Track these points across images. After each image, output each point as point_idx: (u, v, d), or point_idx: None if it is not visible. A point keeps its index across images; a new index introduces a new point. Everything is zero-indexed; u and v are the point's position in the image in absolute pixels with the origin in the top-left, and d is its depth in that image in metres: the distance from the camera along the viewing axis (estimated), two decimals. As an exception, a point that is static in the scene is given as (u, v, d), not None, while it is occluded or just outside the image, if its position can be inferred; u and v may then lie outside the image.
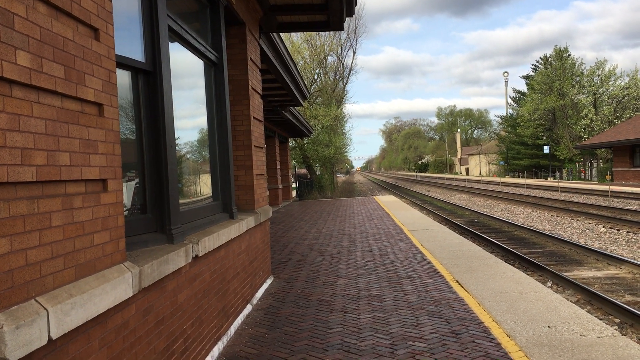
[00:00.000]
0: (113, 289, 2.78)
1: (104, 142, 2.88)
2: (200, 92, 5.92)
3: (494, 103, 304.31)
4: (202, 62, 5.81)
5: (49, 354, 2.28)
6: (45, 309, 2.21)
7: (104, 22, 2.95)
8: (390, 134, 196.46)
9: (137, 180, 3.98)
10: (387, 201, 25.11)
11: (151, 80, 4.04)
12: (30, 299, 2.21)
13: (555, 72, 59.90)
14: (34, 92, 2.30)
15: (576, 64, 61.03)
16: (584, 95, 58.45)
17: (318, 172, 43.55)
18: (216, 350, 4.83)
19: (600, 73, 57.98)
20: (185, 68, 5.40)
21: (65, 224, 2.48)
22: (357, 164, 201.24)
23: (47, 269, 2.33)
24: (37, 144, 2.29)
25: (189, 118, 5.63)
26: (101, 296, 2.65)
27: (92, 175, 2.73)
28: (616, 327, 7.33)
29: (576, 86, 58.84)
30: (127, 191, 3.84)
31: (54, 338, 2.25)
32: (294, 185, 33.93)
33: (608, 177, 37.10)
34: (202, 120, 5.94)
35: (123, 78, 3.76)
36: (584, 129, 55.92)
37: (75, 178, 2.57)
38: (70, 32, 2.59)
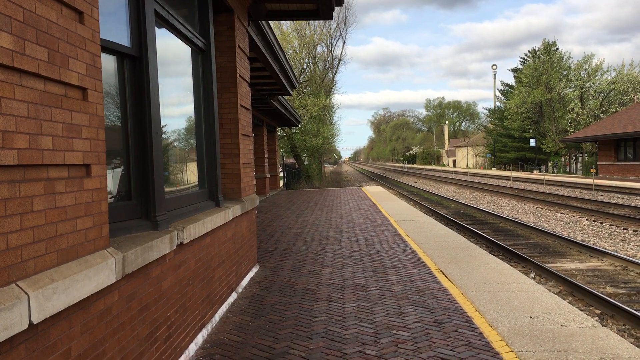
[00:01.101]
0: (96, 274, 2.77)
1: (87, 127, 2.85)
2: (188, 80, 5.87)
3: (482, 95, 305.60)
4: (190, 48, 5.76)
5: (29, 338, 2.27)
6: (26, 293, 2.19)
7: (89, 5, 2.91)
8: (378, 124, 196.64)
9: (122, 166, 3.95)
10: (375, 192, 25.18)
11: (137, 65, 4.00)
12: (11, 283, 2.19)
13: (543, 66, 60.18)
14: (16, 74, 2.27)
15: (564, 58, 61.36)
16: (571, 89, 58.82)
17: (306, 162, 43.50)
18: (200, 337, 4.83)
19: (587, 67, 58.32)
20: (172, 54, 5.35)
21: (47, 209, 2.46)
22: (345, 155, 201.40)
23: (28, 254, 2.31)
24: (19, 127, 2.26)
25: (176, 106, 5.59)
26: (84, 281, 2.63)
27: (75, 160, 2.70)
28: (597, 318, 7.44)
29: (563, 80, 59.19)
30: (112, 177, 3.81)
31: (35, 323, 2.24)
32: (281, 174, 33.91)
33: (593, 170, 37.48)
34: (189, 108, 5.90)
35: (108, 63, 3.72)
36: (570, 122, 56.32)
37: (58, 162, 2.55)
38: (54, 14, 2.56)
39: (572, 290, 8.67)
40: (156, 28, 4.29)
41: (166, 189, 4.55)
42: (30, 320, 2.20)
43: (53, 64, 2.53)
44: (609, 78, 56.08)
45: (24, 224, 2.28)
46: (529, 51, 66.84)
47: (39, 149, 2.40)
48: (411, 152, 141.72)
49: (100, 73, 3.03)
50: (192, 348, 4.57)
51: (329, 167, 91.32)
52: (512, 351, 4.35)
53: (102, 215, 3.01)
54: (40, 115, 2.42)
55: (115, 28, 3.84)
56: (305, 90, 42.92)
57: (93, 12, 2.97)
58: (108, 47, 3.58)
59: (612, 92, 54.85)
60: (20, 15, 2.29)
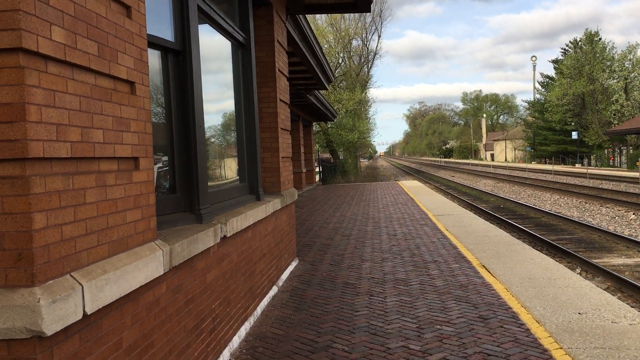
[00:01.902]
0: (145, 266, 2.80)
1: (135, 120, 2.88)
2: (228, 75, 5.90)
3: (519, 88, 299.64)
4: (230, 43, 5.78)
5: (83, 328, 2.31)
6: (80, 284, 2.23)
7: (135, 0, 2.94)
8: (414, 118, 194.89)
9: (164, 160, 3.99)
10: (411, 186, 24.97)
11: (181, 59, 4.03)
12: (66, 274, 2.23)
13: (586, 57, 58.64)
14: (68, 68, 2.30)
15: (607, 48, 59.62)
16: (615, 80, 57.13)
17: (341, 157, 43.44)
18: (243, 330, 4.86)
19: (631, 57, 56.53)
20: (213, 49, 5.38)
21: (98, 201, 2.49)
22: (380, 149, 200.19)
23: (81, 245, 2.34)
24: (71, 120, 2.29)
25: (217, 101, 5.63)
26: (134, 273, 2.66)
27: (124, 153, 2.73)
28: (647, 315, 7.19)
29: (607, 71, 57.54)
30: (157, 171, 3.85)
31: (88, 313, 2.27)
32: (317, 169, 33.93)
33: (639, 163, 36.31)
34: (229, 103, 5.94)
35: (153, 57, 3.75)
36: (614, 114, 54.71)
37: (109, 155, 2.58)
38: (103, 9, 2.59)
39: (621, 286, 8.41)
40: (198, 23, 4.31)
41: (209, 183, 4.58)
42: (84, 310, 2.24)
43: (103, 58, 2.55)
44: (655, 68, 54.21)
45: (77, 216, 2.32)
46: (570, 42, 65.22)
47: (91, 141, 2.43)
48: (447, 146, 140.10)
49: (147, 67, 3.05)
50: (236, 340, 4.60)
51: (364, 162, 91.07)
52: (561, 348, 4.24)
53: (150, 208, 3.04)
54: (91, 109, 2.45)
55: (160, 23, 3.88)
56: (341, 84, 42.85)
57: (140, 6, 2.99)
58: (153, 42, 3.61)
59: (659, 83, 53.01)
60: (72, 9, 2.32)
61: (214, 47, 5.40)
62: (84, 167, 2.39)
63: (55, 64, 2.21)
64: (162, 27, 3.92)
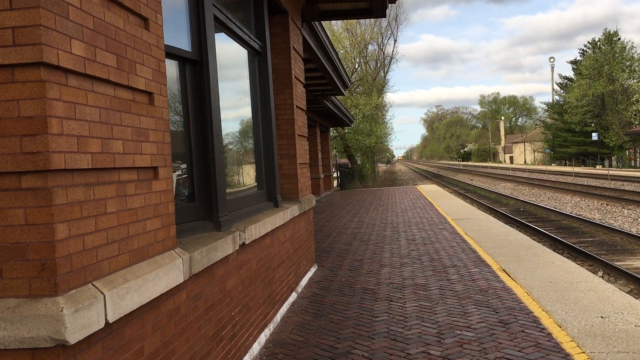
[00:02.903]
0: (165, 274, 2.83)
1: (154, 131, 2.92)
2: (244, 82, 5.95)
3: (537, 90, 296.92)
4: (246, 51, 5.83)
5: (106, 337, 2.34)
6: (102, 293, 2.26)
7: (153, 11, 2.98)
8: (431, 122, 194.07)
9: (183, 168, 4.03)
10: (430, 190, 24.85)
11: (198, 69, 4.08)
12: (88, 283, 2.26)
13: (605, 57, 57.95)
14: (88, 80, 2.34)
15: (626, 48, 58.85)
16: (635, 80, 56.33)
17: (359, 162, 43.40)
18: (263, 336, 4.88)
19: (652, 57, 55.76)
20: (230, 58, 5.43)
21: (119, 211, 2.53)
22: (398, 153, 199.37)
23: (103, 254, 2.38)
24: (92, 131, 2.33)
25: (234, 108, 5.67)
26: (154, 281, 2.70)
27: (143, 163, 2.77)
28: (672, 318, 7.07)
29: (627, 71, 56.79)
30: (176, 179, 3.89)
31: (110, 321, 2.31)
32: (335, 174, 33.94)
33: (661, 164, 35.70)
34: (246, 111, 5.98)
35: (171, 68, 3.80)
36: (635, 115, 53.94)
37: (128, 165, 2.62)
38: (121, 21, 2.63)
39: (644, 289, 8.28)
40: (215, 32, 4.36)
41: (227, 191, 4.62)
42: (106, 319, 2.27)
43: (121, 70, 2.60)
44: (676, 67, 53.39)
45: (98, 226, 2.36)
46: (588, 42, 64.46)
47: (111, 152, 2.47)
48: (466, 149, 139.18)
49: (164, 77, 3.10)
50: (256, 347, 4.61)
51: (382, 167, 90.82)
52: (583, 352, 4.18)
53: (170, 217, 3.08)
54: (111, 120, 2.49)
55: (177, 33, 3.93)
56: (357, 89, 42.85)
57: (157, 18, 3.04)
58: (170, 52, 3.66)
59: (680, 82, 52.19)
60: (91, 23, 2.36)
61: (230, 56, 5.45)
62: (104, 178, 2.43)
63: (75, 76, 2.25)
64: (179, 37, 3.97)
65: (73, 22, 2.24)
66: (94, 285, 2.27)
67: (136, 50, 2.76)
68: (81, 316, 2.10)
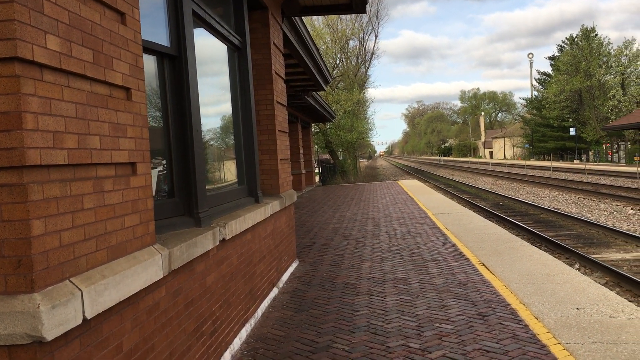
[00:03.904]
0: (144, 270, 2.82)
1: (132, 126, 2.90)
2: (224, 78, 5.93)
3: (516, 85, 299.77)
4: (226, 46, 5.81)
5: (83, 333, 2.33)
6: (79, 289, 2.25)
7: (130, 6, 2.96)
8: (412, 117, 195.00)
9: (164, 164, 4.02)
10: (411, 185, 24.99)
11: (177, 64, 4.06)
12: (65, 279, 2.25)
13: (582, 53, 58.73)
14: (64, 76, 2.33)
15: (603, 44, 59.70)
16: (612, 76, 57.26)
17: (341, 157, 43.47)
18: (244, 332, 4.89)
19: (628, 53, 56.66)
20: (209, 53, 5.41)
21: (96, 207, 2.52)
22: (380, 149, 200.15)
23: (80, 251, 2.37)
24: (68, 127, 2.32)
25: (214, 104, 5.65)
26: (133, 277, 2.69)
27: (121, 159, 2.76)
28: (646, 309, 7.22)
29: (603, 66, 57.65)
30: (155, 175, 3.88)
31: (88, 318, 2.30)
32: (317, 170, 33.96)
33: (637, 158, 36.32)
34: (227, 106, 5.96)
35: (149, 63, 3.78)
36: (611, 110, 54.80)
37: (106, 161, 2.60)
38: (97, 16, 2.61)
39: (619, 280, 8.44)
40: (194, 27, 4.34)
41: (207, 186, 4.61)
42: (84, 315, 2.26)
43: (98, 65, 2.58)
44: (652, 63, 54.32)
45: (75, 222, 2.34)
46: (566, 38, 65.30)
47: (88, 148, 2.45)
48: (446, 144, 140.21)
49: (142, 73, 3.08)
50: (237, 342, 4.62)
51: (363, 162, 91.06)
52: (559, 343, 4.27)
53: (148, 213, 3.07)
54: (87, 116, 2.47)
55: (155, 28, 3.90)
56: (339, 85, 42.86)
57: (134, 13, 3.02)
58: (148, 47, 3.64)
59: (655, 77, 53.10)
60: (66, 17, 2.34)
61: (210, 51, 5.43)
62: (81, 174, 2.42)
63: (50, 72, 2.24)
64: (158, 32, 3.94)
65: (48, 16, 2.22)
66: (71, 281, 2.26)
67: (113, 45, 2.74)
68: (58, 313, 2.09)
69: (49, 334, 2.04)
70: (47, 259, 2.15)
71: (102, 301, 2.40)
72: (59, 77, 2.29)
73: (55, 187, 2.23)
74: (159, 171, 3.96)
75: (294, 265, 7.73)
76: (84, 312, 2.26)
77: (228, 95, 5.97)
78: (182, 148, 4.09)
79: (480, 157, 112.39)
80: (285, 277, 7.00)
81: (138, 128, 2.97)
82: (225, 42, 5.68)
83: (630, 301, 7.34)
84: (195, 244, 3.66)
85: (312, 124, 31.73)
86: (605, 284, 8.42)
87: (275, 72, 7.07)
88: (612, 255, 10.45)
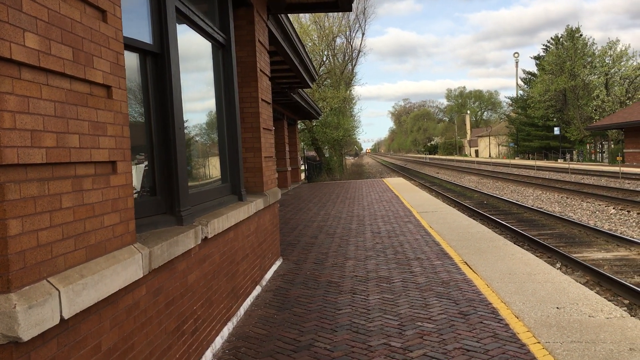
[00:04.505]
0: (124, 269, 2.81)
1: (112, 125, 2.88)
2: (209, 75, 5.90)
3: (501, 84, 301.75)
4: (210, 44, 5.78)
5: (61, 333, 2.32)
6: (57, 289, 2.24)
7: (111, 3, 2.94)
8: (399, 115, 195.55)
9: (146, 162, 4.00)
10: (396, 183, 25.09)
11: (159, 62, 4.04)
12: (42, 279, 2.23)
13: (567, 53, 59.24)
14: (42, 74, 2.30)
15: (588, 44, 60.29)
16: (596, 76, 57.86)
17: (327, 155, 43.50)
18: (226, 330, 4.88)
19: (612, 53, 57.29)
20: (193, 50, 5.38)
21: (75, 206, 2.50)
22: (366, 146, 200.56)
23: (58, 250, 2.35)
24: (46, 126, 2.30)
25: (198, 101, 5.63)
26: (112, 277, 2.68)
27: (101, 158, 2.74)
28: (625, 308, 7.33)
29: (588, 67, 58.23)
30: (137, 173, 3.85)
31: (66, 318, 2.29)
32: (302, 167, 33.96)
33: (619, 158, 36.80)
34: (211, 103, 5.94)
35: (131, 60, 3.75)
36: (595, 110, 55.40)
37: (85, 160, 2.59)
38: (77, 13, 2.59)
39: (600, 280, 8.55)
40: (177, 24, 4.32)
41: (190, 184, 4.59)
42: (61, 315, 2.25)
43: (78, 63, 2.56)
44: (635, 64, 55.01)
45: (53, 221, 2.33)
46: (551, 38, 65.82)
47: (66, 147, 2.43)
48: (432, 142, 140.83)
49: (123, 71, 3.06)
50: (219, 341, 4.62)
51: (350, 159, 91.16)
52: (539, 342, 4.32)
53: (129, 211, 3.05)
54: (66, 114, 2.45)
55: (137, 25, 3.88)
56: (325, 82, 42.86)
57: (116, 10, 3.00)
58: (130, 45, 3.61)
59: (638, 78, 53.75)
60: (46, 15, 2.32)
61: (193, 48, 5.40)
62: (59, 173, 2.40)
63: (29, 70, 2.21)
64: (140, 29, 3.92)
65: (27, 14, 2.20)
66: (48, 281, 2.25)
67: (93, 43, 2.72)
68: (35, 313, 2.07)
69: (26, 334, 2.03)
70: (24, 258, 2.13)
71: (80, 301, 2.39)
72: (37, 75, 2.27)
73: (33, 187, 2.21)
74: (140, 169, 3.94)
75: (278, 263, 7.73)
76: (61, 312, 2.25)
77: (212, 93, 5.95)
78: (164, 146, 4.07)
79: (466, 155, 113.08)
80: (269, 275, 7.00)
81: (119, 126, 2.95)
82: (210, 39, 5.66)
83: (609, 300, 7.45)
84: (177, 243, 3.65)
85: (299, 121, 31.70)
86: (585, 283, 8.52)
87: (260, 70, 7.06)
88: (593, 255, 10.58)
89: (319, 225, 11.83)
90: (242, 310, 5.49)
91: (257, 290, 6.26)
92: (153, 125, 3.97)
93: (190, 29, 5.08)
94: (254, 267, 6.23)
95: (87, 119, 2.63)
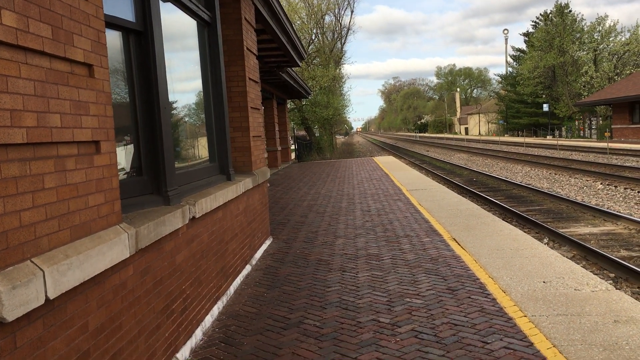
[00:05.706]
0: (109, 250, 2.80)
1: (95, 104, 2.85)
2: (194, 54, 5.84)
3: (491, 61, 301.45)
4: (195, 22, 5.71)
5: (47, 313, 2.32)
6: (41, 269, 2.23)
7: (90, -20, 2.88)
8: (389, 94, 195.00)
9: (132, 142, 3.96)
10: (386, 162, 25.12)
11: (142, 40, 3.98)
12: (26, 260, 2.22)
13: (556, 29, 59.11)
14: (21, 52, 2.27)
15: (577, 20, 60.17)
16: (584, 52, 57.88)
17: (317, 134, 43.38)
18: (216, 309, 4.90)
19: (600, 29, 57.26)
20: (177, 29, 5.31)
21: (58, 186, 2.48)
22: (356, 125, 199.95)
23: (41, 231, 2.34)
24: (26, 105, 2.26)
25: (184, 81, 5.57)
26: (97, 257, 2.67)
27: (84, 137, 2.71)
28: (611, 281, 7.43)
29: (576, 43, 58.20)
30: (123, 154, 3.82)
31: (51, 298, 2.28)
32: (292, 147, 33.87)
33: (607, 134, 37.04)
34: (197, 83, 5.88)
35: (114, 39, 3.70)
36: (584, 86, 55.54)
37: (67, 140, 2.56)
38: (55, -10, 2.54)
39: (586, 254, 8.64)
40: (160, 2, 4.25)
41: (177, 164, 4.57)
42: (46, 295, 2.24)
43: (57, 41, 2.52)
44: (623, 39, 55.04)
45: (35, 202, 2.31)
46: (540, 14, 65.63)
47: (48, 126, 2.40)
48: (423, 120, 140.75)
49: (105, 49, 3.01)
50: (208, 320, 4.64)
51: (340, 139, 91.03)
52: (525, 316, 4.37)
53: (114, 191, 3.03)
54: (47, 93, 2.42)
55: (119, 3, 3.81)
56: (314, 61, 42.55)
57: (95, -13, 2.94)
58: (112, 23, 3.56)
59: (627, 54, 53.91)
60: (22, -8, 2.27)
61: (178, 27, 5.33)
62: (41, 153, 2.37)
63: (6, 48, 2.17)
64: (122, 7, 3.85)
65: (2, -9, 2.15)
66: (32, 262, 2.24)
67: (73, 20, 2.68)
68: (19, 293, 2.07)
69: (10, 315, 2.02)
70: (6, 239, 2.11)
71: (65, 281, 2.38)
72: (15, 54, 2.23)
73: (14, 167, 2.19)
74: (126, 149, 3.91)
75: (268, 242, 7.75)
76: (46, 292, 2.24)
77: (198, 72, 5.89)
78: (149, 126, 4.03)
79: (456, 133, 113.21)
80: (259, 254, 7.02)
81: (101, 106, 2.92)
82: (194, 17, 5.58)
83: (595, 274, 7.55)
84: (164, 223, 3.64)
85: (288, 101, 31.53)
86: (572, 258, 8.62)
87: (247, 48, 6.99)
88: (580, 230, 10.69)
89: (309, 204, 11.85)
90: (232, 289, 5.51)
91: (247, 269, 6.28)
92: (138, 105, 3.93)
93: (175, 6, 5.01)
94: (244, 247, 6.24)
95: (68, 98, 2.59)
